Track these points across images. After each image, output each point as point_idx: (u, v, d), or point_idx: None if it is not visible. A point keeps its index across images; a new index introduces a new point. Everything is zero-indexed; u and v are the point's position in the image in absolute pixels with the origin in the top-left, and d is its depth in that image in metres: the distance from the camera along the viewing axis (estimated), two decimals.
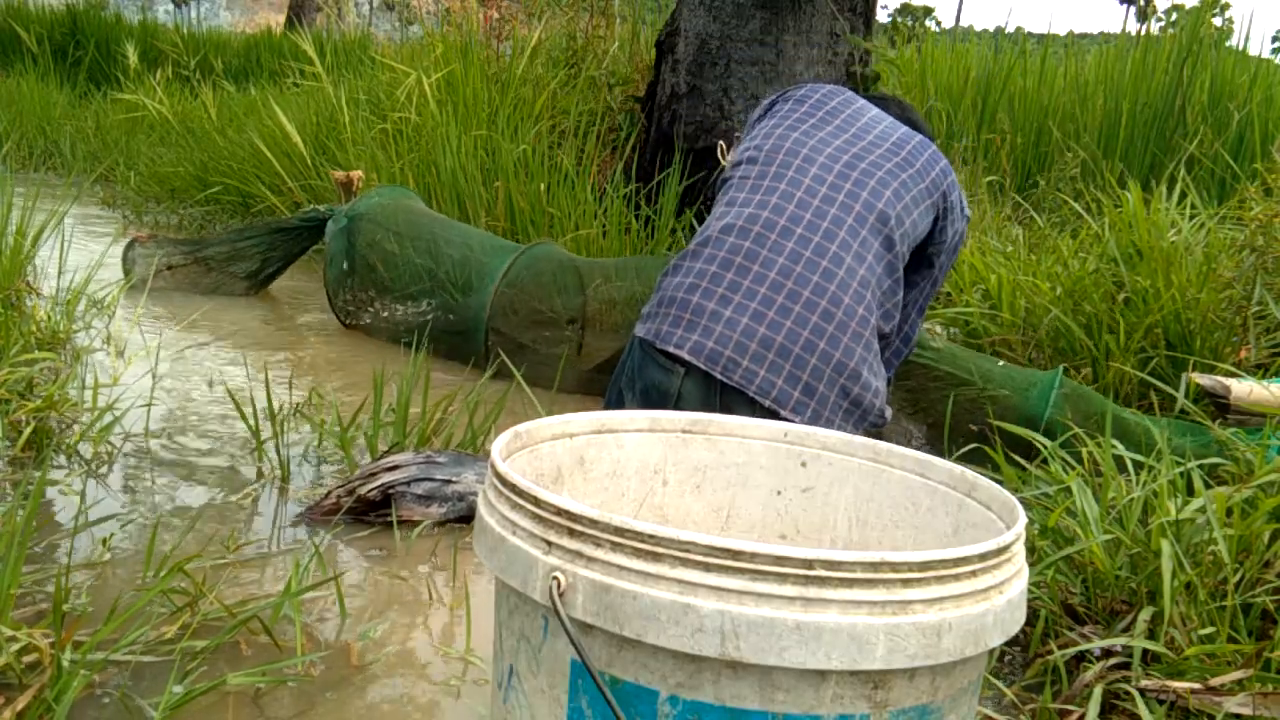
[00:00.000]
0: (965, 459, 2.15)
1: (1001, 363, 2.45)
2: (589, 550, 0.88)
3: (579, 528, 0.89)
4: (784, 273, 1.70)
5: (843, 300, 1.70)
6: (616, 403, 1.87)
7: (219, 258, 4.09)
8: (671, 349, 1.71)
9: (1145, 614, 1.51)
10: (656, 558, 0.86)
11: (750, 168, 1.84)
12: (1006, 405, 2.36)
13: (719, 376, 1.68)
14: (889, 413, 1.83)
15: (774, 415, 1.66)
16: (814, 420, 1.68)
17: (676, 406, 1.72)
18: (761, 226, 1.74)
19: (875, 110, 1.99)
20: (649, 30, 5.05)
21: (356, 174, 4.26)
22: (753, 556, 0.84)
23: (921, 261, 1.95)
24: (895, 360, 2.02)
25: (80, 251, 3.81)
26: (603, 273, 3.08)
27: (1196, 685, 1.39)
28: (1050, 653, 1.54)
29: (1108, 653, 1.51)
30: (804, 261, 1.71)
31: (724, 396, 1.69)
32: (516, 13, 5.87)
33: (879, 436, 1.67)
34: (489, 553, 0.98)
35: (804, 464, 1.30)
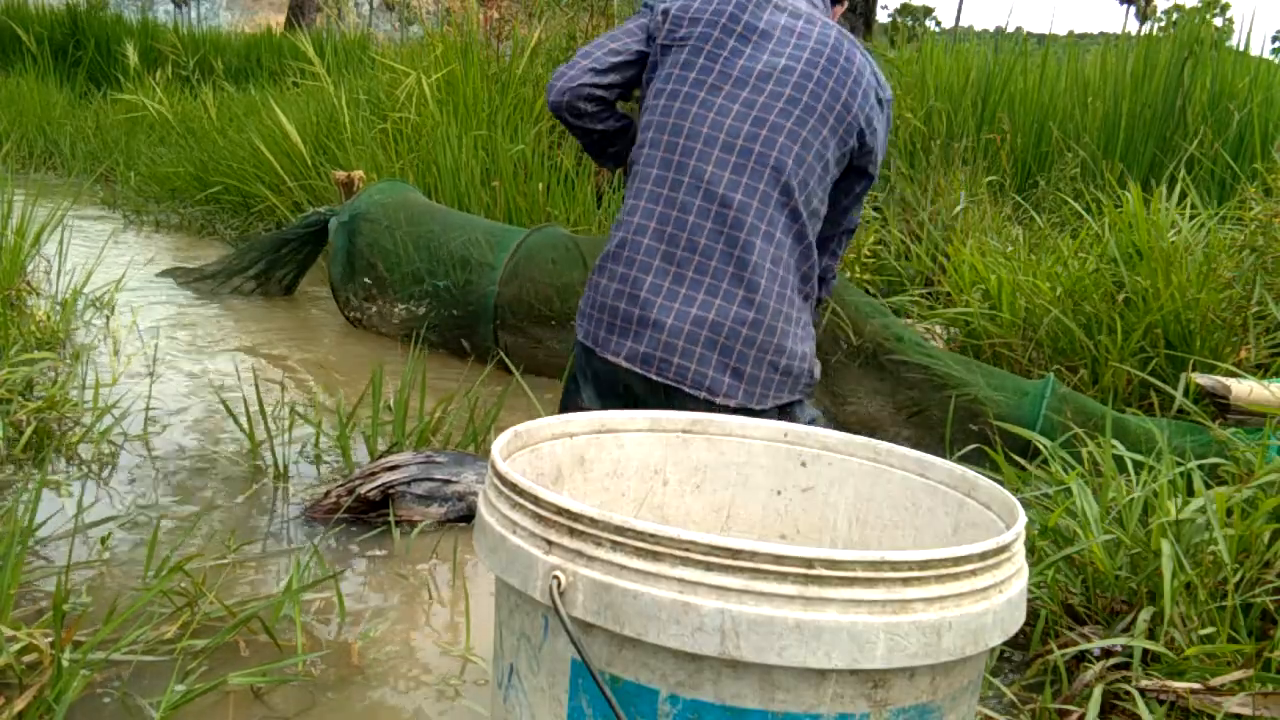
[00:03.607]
0: (965, 460, 2.15)
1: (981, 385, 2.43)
2: (589, 549, 0.88)
3: (579, 527, 0.89)
4: (700, 269, 1.76)
5: (759, 283, 1.75)
6: (574, 387, 1.92)
7: (233, 272, 4.15)
8: (609, 356, 1.79)
9: (1145, 614, 1.51)
10: (657, 557, 0.86)
11: (654, 154, 1.85)
12: (997, 415, 2.35)
13: (655, 378, 1.76)
14: (818, 370, 1.88)
15: (710, 404, 1.74)
16: (748, 400, 1.75)
17: (626, 393, 1.83)
18: (673, 227, 1.79)
19: (780, 26, 1.90)
20: None
21: (357, 174, 4.27)
22: (753, 555, 0.84)
23: (850, 179, 1.93)
24: (825, 292, 2.02)
25: (80, 252, 3.81)
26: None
27: (1196, 685, 1.39)
28: (1050, 653, 1.54)
29: (1108, 653, 1.51)
30: (718, 254, 1.77)
31: (665, 390, 1.77)
32: (516, 13, 5.87)
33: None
34: (489, 552, 0.98)
35: (804, 464, 1.30)
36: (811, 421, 1.90)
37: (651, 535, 0.86)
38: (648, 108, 1.90)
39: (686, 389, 1.74)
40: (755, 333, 1.75)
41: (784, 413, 1.83)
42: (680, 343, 1.74)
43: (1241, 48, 4.67)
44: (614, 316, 1.80)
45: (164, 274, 4.34)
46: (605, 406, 1.84)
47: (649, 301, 1.77)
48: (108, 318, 3.42)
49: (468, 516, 2.09)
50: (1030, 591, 1.60)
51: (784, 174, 1.79)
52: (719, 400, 1.74)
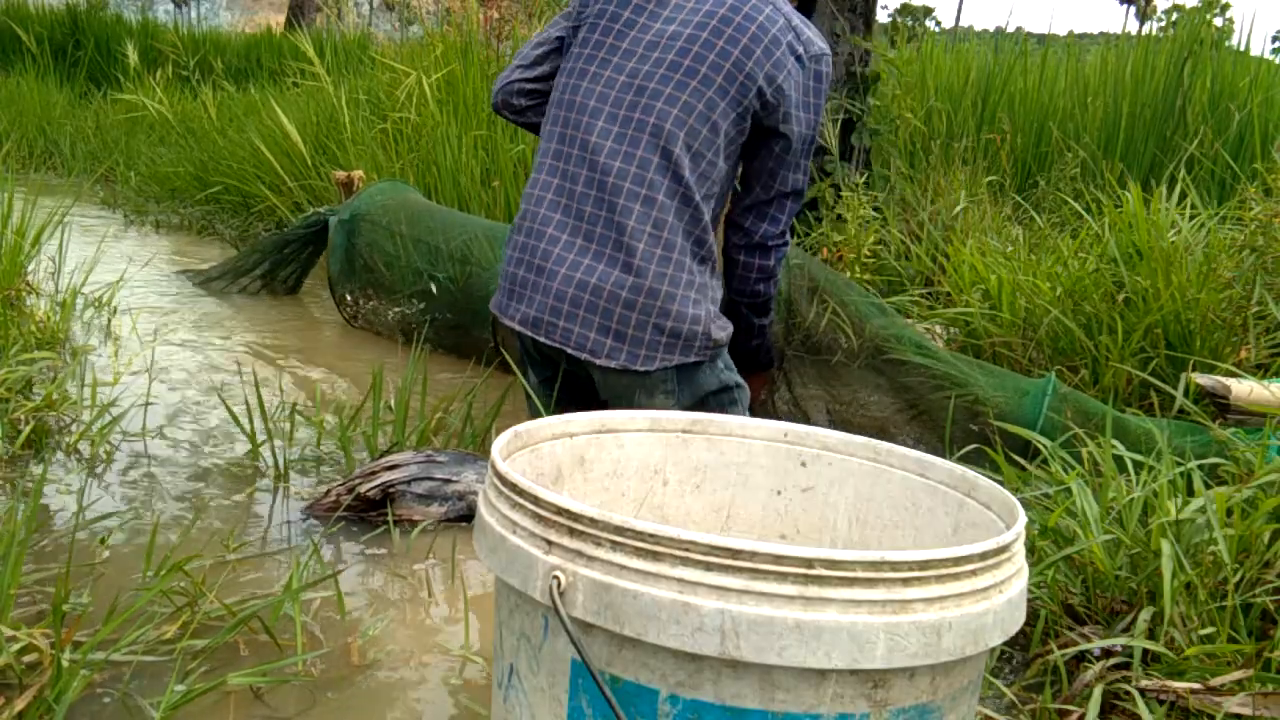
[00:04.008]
0: (965, 459, 2.15)
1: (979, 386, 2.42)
2: (589, 549, 0.88)
3: (579, 527, 0.89)
4: (587, 236, 1.84)
5: (637, 247, 1.80)
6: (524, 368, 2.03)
7: (240, 272, 4.18)
8: (507, 321, 1.91)
9: (1145, 614, 1.51)
10: (657, 557, 0.86)
11: (552, 129, 1.92)
12: (998, 415, 2.35)
13: (543, 340, 1.84)
14: (724, 334, 1.90)
15: (592, 366, 1.83)
16: (631, 361, 1.80)
17: (530, 364, 1.96)
18: (565, 197, 1.87)
19: (674, 5, 1.92)
20: None
21: (357, 174, 4.27)
22: (753, 555, 0.84)
23: (767, 140, 1.92)
24: (769, 260, 2.00)
25: (80, 252, 3.81)
26: None
27: (1196, 685, 1.39)
28: (1050, 653, 1.54)
29: (1108, 653, 1.51)
30: (601, 221, 1.83)
31: (552, 353, 1.88)
32: (516, 13, 5.87)
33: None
34: (489, 552, 0.98)
35: (804, 464, 1.30)
36: (723, 386, 1.93)
37: (651, 535, 0.86)
38: (553, 87, 1.98)
39: (570, 350, 1.82)
40: (635, 295, 1.79)
41: (683, 374, 1.86)
42: (565, 306, 1.82)
43: (1241, 48, 4.67)
44: (513, 283, 1.89)
45: (179, 274, 4.36)
46: (537, 378, 1.97)
47: (541, 268, 1.85)
48: (109, 319, 3.42)
49: (468, 516, 2.09)
50: (1030, 591, 1.60)
51: (663, 138, 1.82)
52: (600, 362, 1.81)
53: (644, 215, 1.81)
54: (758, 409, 2.55)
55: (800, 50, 1.88)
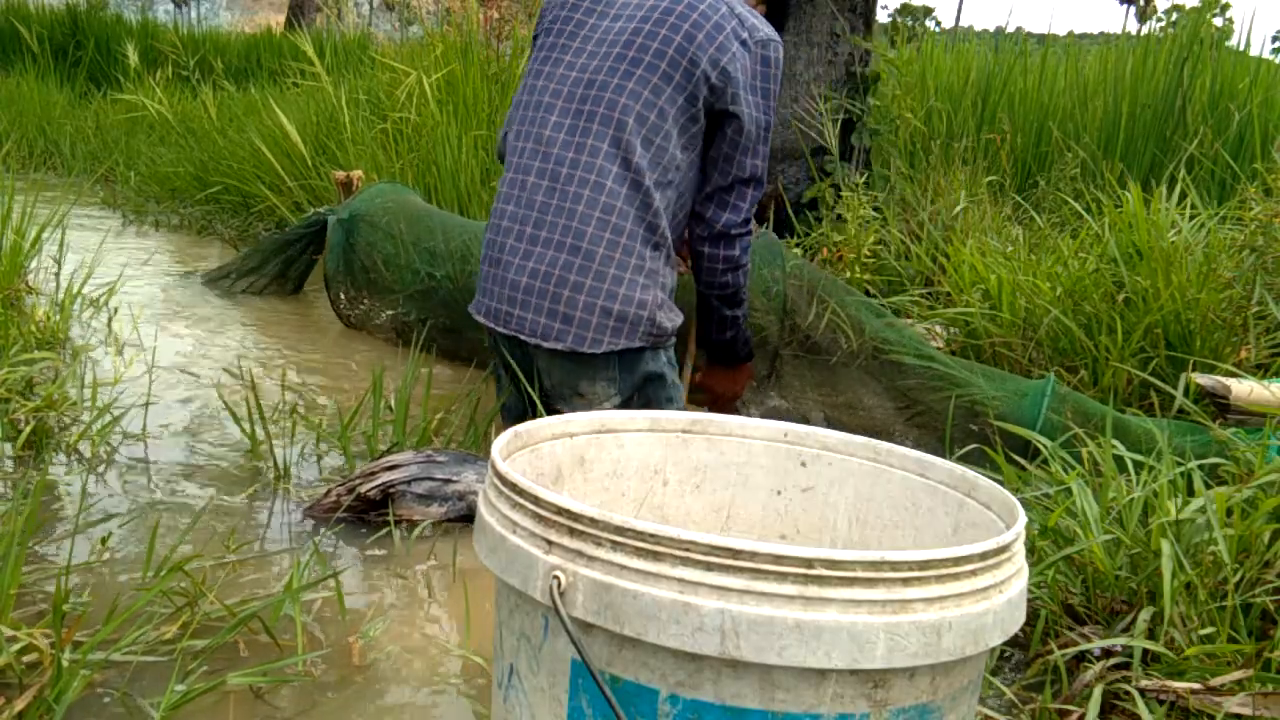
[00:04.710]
0: (965, 460, 2.15)
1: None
2: (589, 549, 0.88)
3: (579, 527, 0.89)
4: (538, 224, 1.91)
5: (585, 232, 1.86)
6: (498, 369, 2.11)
7: (244, 272, 4.19)
8: (476, 316, 2.01)
9: (1145, 614, 1.51)
10: (657, 557, 0.86)
11: (514, 128, 2.01)
12: (997, 416, 2.35)
13: (500, 329, 1.93)
14: (671, 322, 1.94)
15: (540, 352, 1.91)
16: (577, 344, 1.86)
17: (498, 355, 2.04)
18: (525, 191, 1.94)
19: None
20: None
21: (356, 174, 4.27)
22: (753, 555, 0.84)
23: (721, 125, 1.95)
24: (734, 250, 2.01)
25: (80, 251, 3.81)
26: None
27: (1196, 685, 1.39)
28: (1050, 652, 1.54)
29: (1108, 653, 1.51)
30: (551, 209, 1.90)
31: (513, 344, 1.96)
32: (516, 13, 5.86)
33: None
34: (489, 552, 0.98)
35: (804, 464, 1.30)
36: (661, 376, 1.97)
37: (651, 535, 0.86)
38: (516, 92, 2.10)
39: (524, 337, 1.90)
40: (583, 279, 1.85)
41: (625, 362, 1.91)
42: (520, 295, 1.90)
43: (1241, 48, 4.67)
44: (484, 280, 1.99)
45: (179, 274, 4.37)
46: (505, 370, 2.05)
47: (499, 260, 1.95)
48: (109, 319, 3.42)
49: (468, 516, 2.09)
50: (1030, 591, 1.61)
51: (612, 125, 1.88)
52: (548, 345, 1.88)
53: (593, 200, 1.87)
54: (743, 405, 2.55)
55: (745, 35, 1.93)
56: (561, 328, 1.86)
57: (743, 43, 1.92)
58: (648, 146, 1.88)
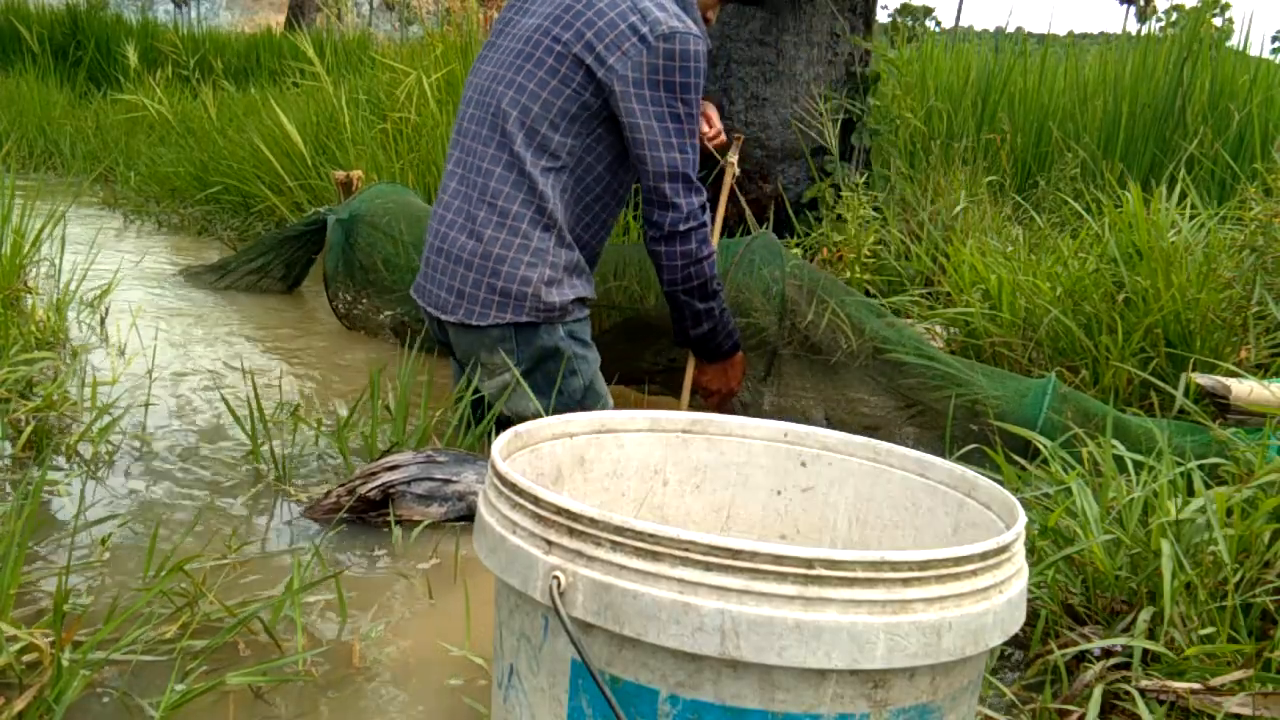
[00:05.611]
0: (965, 460, 2.15)
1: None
2: (589, 549, 0.88)
3: (579, 527, 0.89)
4: (446, 207, 2.15)
5: (478, 215, 2.07)
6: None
7: (241, 271, 4.19)
8: (412, 294, 2.26)
9: (1145, 614, 1.51)
10: (656, 557, 0.86)
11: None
12: (998, 415, 2.35)
13: (420, 303, 2.19)
14: (558, 298, 2.08)
15: (448, 325, 2.13)
16: (467, 316, 2.07)
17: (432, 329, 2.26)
18: (452, 181, 2.17)
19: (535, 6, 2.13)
20: None
21: (356, 174, 4.27)
22: (753, 556, 0.84)
23: (623, 126, 2.06)
24: (690, 245, 2.05)
25: (80, 251, 3.81)
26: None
27: (1196, 685, 1.39)
28: (1050, 653, 1.54)
29: (1108, 653, 1.51)
30: (461, 196, 2.12)
31: (433, 319, 2.19)
32: None
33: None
34: (489, 552, 0.98)
35: (804, 464, 1.30)
36: (559, 352, 2.10)
37: (651, 535, 0.86)
38: None
39: (432, 311, 2.14)
40: (474, 258, 2.06)
41: (522, 334, 2.07)
42: (436, 274, 2.14)
43: (1241, 48, 4.67)
44: (420, 262, 2.23)
45: (179, 273, 4.37)
46: (440, 348, 2.30)
47: (430, 244, 2.18)
48: (100, 319, 3.41)
49: (468, 516, 2.08)
50: (1030, 591, 1.60)
51: (500, 118, 2.06)
52: (445, 317, 2.11)
53: (484, 187, 2.06)
54: (742, 406, 2.55)
55: (645, 30, 1.98)
56: (455, 301, 2.08)
57: (641, 38, 1.97)
58: (531, 136, 2.04)
